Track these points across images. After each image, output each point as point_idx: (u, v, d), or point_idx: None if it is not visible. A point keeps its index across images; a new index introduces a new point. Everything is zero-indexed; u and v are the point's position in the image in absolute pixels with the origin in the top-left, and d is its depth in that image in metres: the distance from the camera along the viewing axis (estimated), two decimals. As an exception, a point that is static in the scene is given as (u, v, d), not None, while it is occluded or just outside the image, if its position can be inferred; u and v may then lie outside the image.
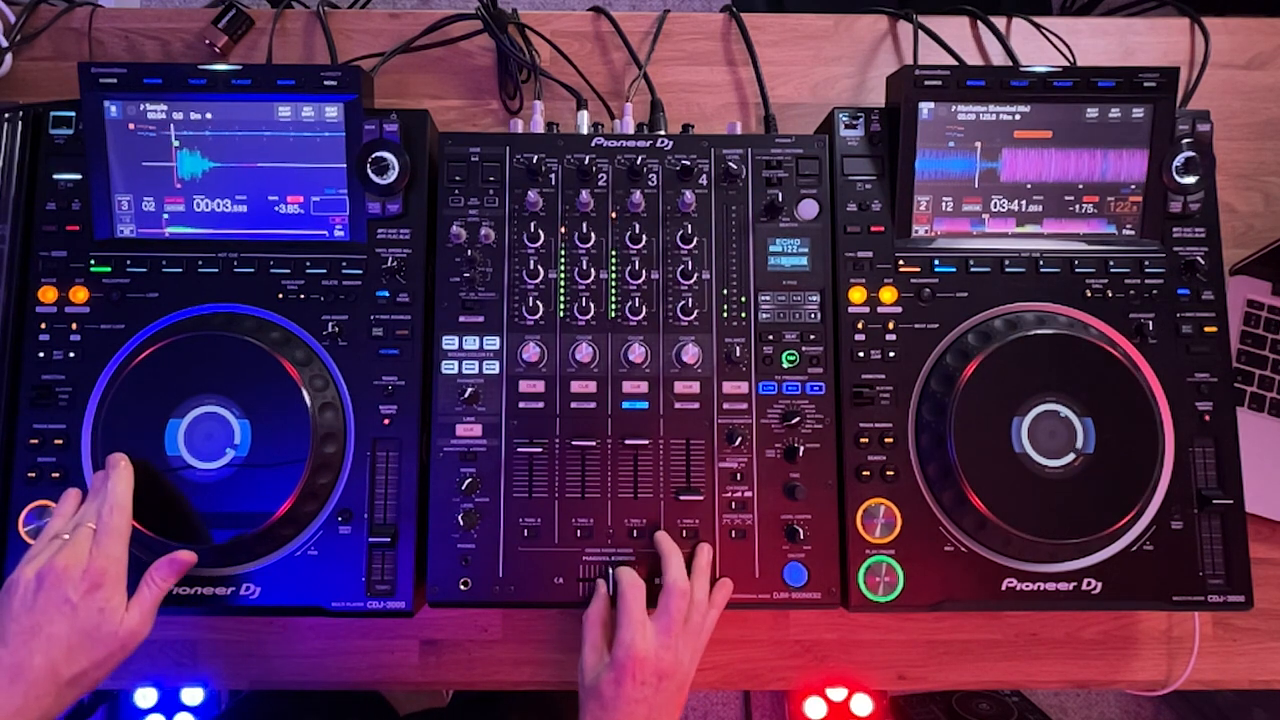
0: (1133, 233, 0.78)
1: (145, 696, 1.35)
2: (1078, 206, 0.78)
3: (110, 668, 0.60)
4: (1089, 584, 0.72)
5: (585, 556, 0.72)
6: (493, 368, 0.74)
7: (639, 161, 0.76)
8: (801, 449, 0.73)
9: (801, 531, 0.72)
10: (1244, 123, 0.92)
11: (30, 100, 0.79)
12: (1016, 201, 0.78)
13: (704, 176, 0.77)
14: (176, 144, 0.75)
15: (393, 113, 0.76)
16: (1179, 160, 0.76)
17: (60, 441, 0.72)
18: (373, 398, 0.73)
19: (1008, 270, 0.76)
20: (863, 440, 0.74)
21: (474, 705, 1.09)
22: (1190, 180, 0.76)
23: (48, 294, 0.74)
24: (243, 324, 0.72)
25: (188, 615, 0.81)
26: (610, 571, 0.71)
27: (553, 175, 0.77)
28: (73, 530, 0.62)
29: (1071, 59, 0.92)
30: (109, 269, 0.75)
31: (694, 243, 0.76)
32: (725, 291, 0.76)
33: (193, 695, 1.36)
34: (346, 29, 0.93)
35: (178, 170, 0.75)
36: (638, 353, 0.74)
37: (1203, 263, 0.76)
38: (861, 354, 0.75)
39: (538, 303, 0.74)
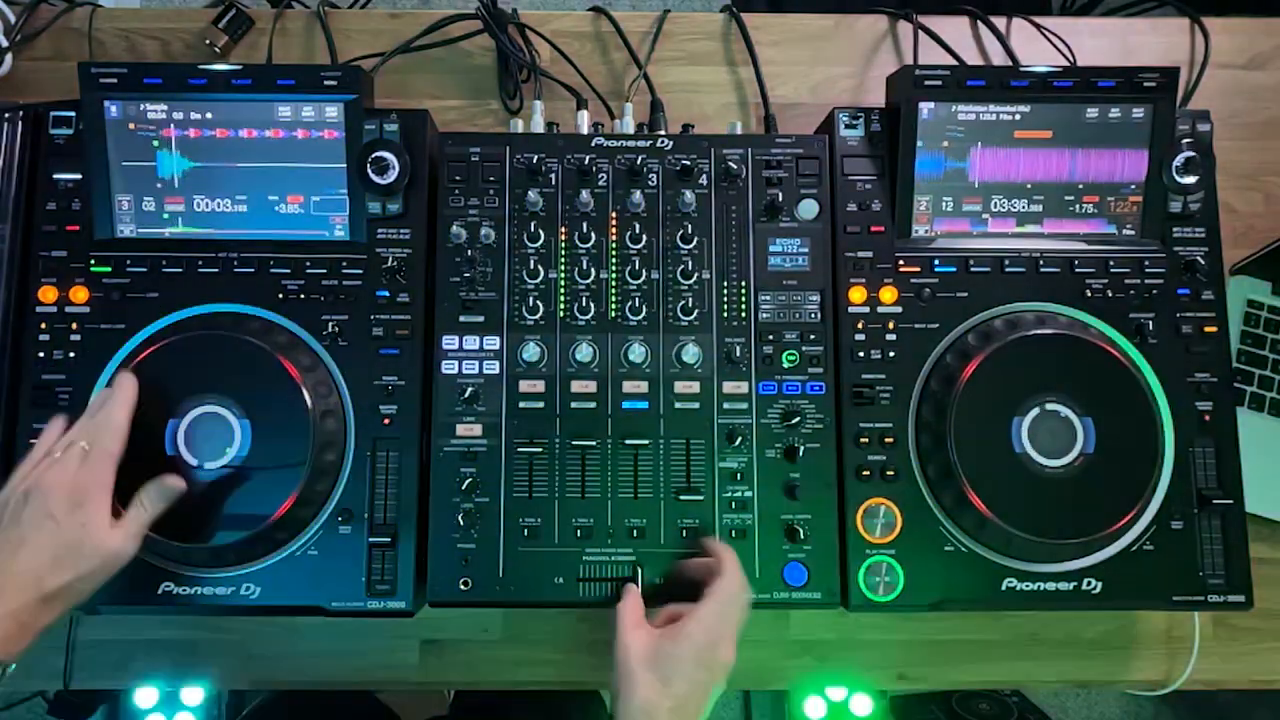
0: (1133, 233, 0.78)
1: (145, 696, 1.35)
2: (1078, 206, 0.78)
3: (94, 584, 0.61)
4: (1089, 584, 0.72)
5: (585, 556, 0.72)
6: (493, 368, 0.74)
7: (639, 161, 0.76)
8: (801, 449, 0.73)
9: (801, 531, 0.72)
10: (1244, 123, 0.92)
11: (30, 100, 0.79)
12: (1016, 201, 0.78)
13: (704, 176, 0.77)
14: (176, 144, 0.75)
15: (393, 113, 0.76)
16: (1179, 160, 0.76)
17: (60, 441, 0.72)
18: (373, 398, 0.73)
19: (1008, 270, 0.76)
20: (863, 440, 0.74)
21: (475, 711, 1.09)
22: (1190, 180, 0.76)
23: (48, 294, 0.74)
24: (243, 324, 0.72)
25: (188, 615, 0.81)
26: (639, 571, 0.71)
27: (553, 175, 0.77)
28: (64, 448, 0.62)
29: (1071, 59, 0.92)
30: (109, 269, 0.74)
31: (694, 243, 0.76)
32: (725, 291, 0.75)
33: (193, 695, 1.36)
34: (346, 29, 0.93)
35: (177, 170, 0.75)
36: (638, 353, 0.74)
37: (1203, 263, 0.76)
38: (861, 354, 0.75)
39: (538, 303, 0.74)
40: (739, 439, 0.73)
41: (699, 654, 0.61)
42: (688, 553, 0.71)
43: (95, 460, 0.62)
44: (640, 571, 0.71)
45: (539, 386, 0.74)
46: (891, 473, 0.73)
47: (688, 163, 0.76)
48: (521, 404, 0.73)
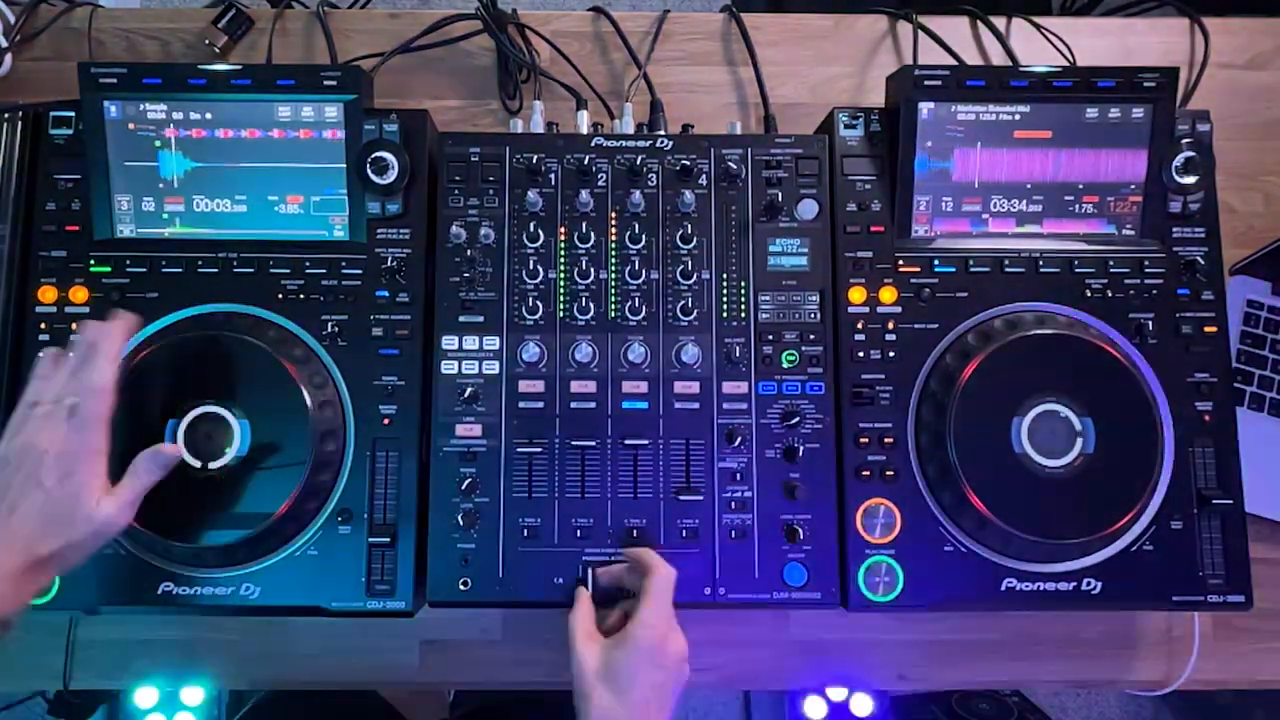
0: (1133, 233, 0.78)
1: (145, 696, 1.35)
2: (1078, 206, 0.78)
3: (85, 552, 0.60)
4: (1089, 584, 0.72)
5: (585, 556, 0.72)
6: (492, 368, 0.74)
7: (639, 161, 0.76)
8: (801, 449, 0.73)
9: (801, 531, 0.72)
10: (1244, 123, 0.92)
11: (30, 100, 0.79)
12: (1016, 201, 0.78)
13: (704, 176, 0.77)
14: (176, 144, 0.75)
15: (393, 113, 0.76)
16: (1179, 160, 0.76)
17: (60, 441, 0.72)
18: (373, 398, 0.73)
19: (1008, 270, 0.76)
20: (863, 440, 0.74)
21: (475, 711, 1.09)
22: (1190, 180, 0.76)
23: (48, 294, 0.74)
24: (243, 324, 0.72)
25: (188, 615, 0.81)
26: (590, 572, 0.70)
27: (552, 175, 0.76)
28: (53, 404, 0.61)
29: (1071, 59, 0.92)
30: (109, 269, 0.74)
31: (694, 243, 0.76)
32: (725, 291, 0.75)
33: (193, 695, 1.36)
34: (346, 29, 0.93)
35: (177, 170, 0.75)
36: (637, 353, 0.74)
37: (1203, 263, 0.76)
38: (861, 354, 0.75)
39: (537, 303, 0.74)
40: (738, 439, 0.73)
41: (651, 655, 0.61)
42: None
43: (83, 424, 0.60)
44: (593, 574, 0.70)
45: (539, 386, 0.74)
46: (891, 473, 0.73)
47: (687, 163, 0.76)
48: (521, 404, 0.73)
